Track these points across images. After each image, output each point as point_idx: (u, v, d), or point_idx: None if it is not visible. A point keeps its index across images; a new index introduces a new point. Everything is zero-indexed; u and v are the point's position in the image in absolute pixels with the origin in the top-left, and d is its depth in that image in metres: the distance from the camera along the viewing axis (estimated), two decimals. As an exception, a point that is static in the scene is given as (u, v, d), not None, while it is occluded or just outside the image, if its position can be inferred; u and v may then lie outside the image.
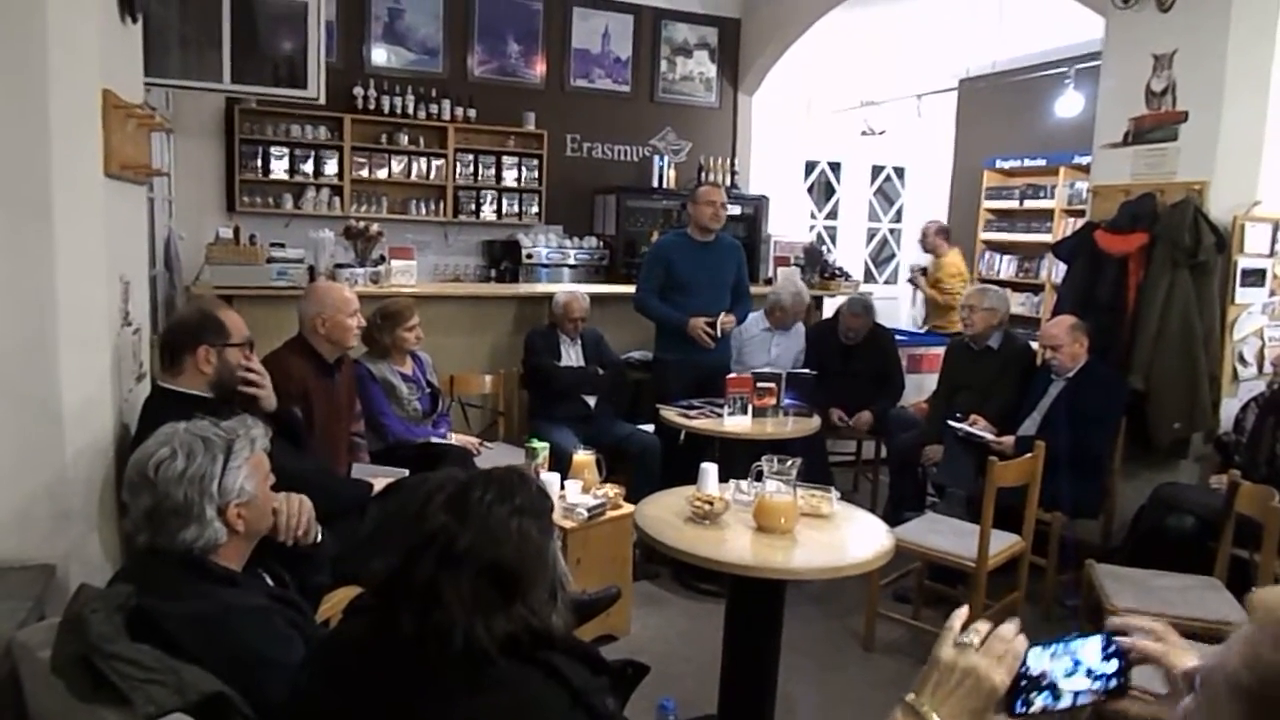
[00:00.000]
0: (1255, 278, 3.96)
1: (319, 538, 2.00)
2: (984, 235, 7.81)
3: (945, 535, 3.34)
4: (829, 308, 5.76)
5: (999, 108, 7.58)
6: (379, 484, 2.96)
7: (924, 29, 7.46)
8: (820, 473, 4.05)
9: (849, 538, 2.57)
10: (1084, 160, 5.80)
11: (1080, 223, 4.79)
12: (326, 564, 2.10)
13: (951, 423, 3.97)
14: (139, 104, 2.64)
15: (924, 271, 6.96)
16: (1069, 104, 6.33)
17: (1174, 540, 3.38)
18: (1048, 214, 7.23)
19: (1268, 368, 3.94)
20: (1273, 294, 4.02)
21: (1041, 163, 7.26)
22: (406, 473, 3.12)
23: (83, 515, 2.20)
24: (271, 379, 2.57)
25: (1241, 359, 4.01)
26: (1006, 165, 7.61)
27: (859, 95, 8.22)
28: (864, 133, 8.34)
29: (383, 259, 4.83)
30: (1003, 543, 3.25)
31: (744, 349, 4.85)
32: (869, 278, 8.75)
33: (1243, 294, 3.95)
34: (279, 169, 6.45)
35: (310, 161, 6.53)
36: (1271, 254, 3.97)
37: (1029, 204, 7.44)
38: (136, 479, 1.61)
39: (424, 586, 1.21)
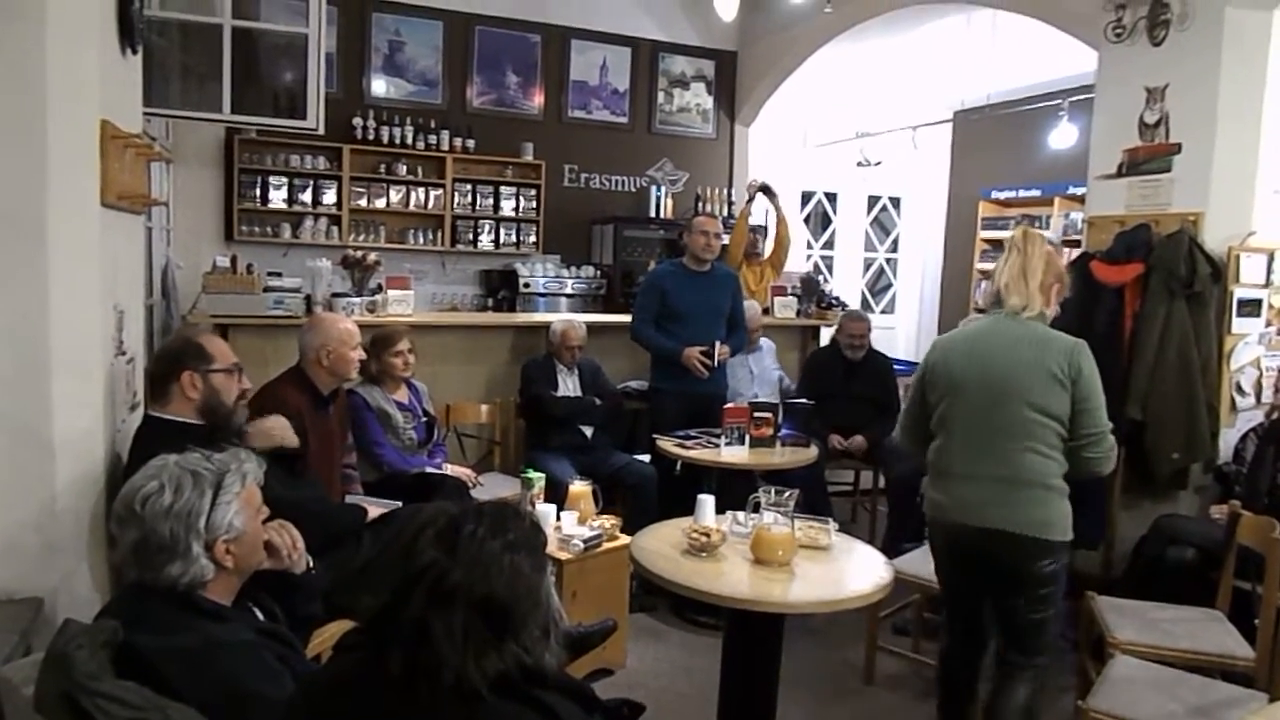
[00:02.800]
0: (1251, 308, 3.97)
1: (310, 564, 1.98)
2: (980, 265, 7.83)
3: (944, 567, 3.30)
4: (825, 337, 5.75)
5: (994, 139, 7.64)
6: (373, 512, 2.94)
7: (919, 62, 7.53)
8: (819, 504, 4.03)
9: (848, 570, 2.54)
10: (1079, 191, 5.83)
11: (1075, 253, 4.80)
12: (318, 595, 2.07)
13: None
14: (138, 134, 2.64)
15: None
16: (1063, 135, 6.37)
17: (1175, 572, 3.36)
18: (1043, 244, 7.26)
19: (1266, 397, 3.93)
20: (1269, 324, 4.02)
21: (1036, 193, 7.30)
22: (400, 504, 3.10)
23: (72, 548, 2.16)
24: (267, 410, 2.57)
25: (1239, 389, 4.00)
26: (1002, 196, 7.65)
27: (855, 127, 8.29)
28: (860, 164, 8.41)
29: (380, 288, 4.83)
30: (1002, 575, 3.21)
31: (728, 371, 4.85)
32: (866, 307, 8.76)
33: (1239, 324, 3.95)
34: (277, 198, 6.48)
35: (309, 191, 6.56)
36: (1267, 284, 3.98)
37: (1025, 234, 7.47)
38: (123, 513, 1.59)
39: (413, 623, 1.19)
